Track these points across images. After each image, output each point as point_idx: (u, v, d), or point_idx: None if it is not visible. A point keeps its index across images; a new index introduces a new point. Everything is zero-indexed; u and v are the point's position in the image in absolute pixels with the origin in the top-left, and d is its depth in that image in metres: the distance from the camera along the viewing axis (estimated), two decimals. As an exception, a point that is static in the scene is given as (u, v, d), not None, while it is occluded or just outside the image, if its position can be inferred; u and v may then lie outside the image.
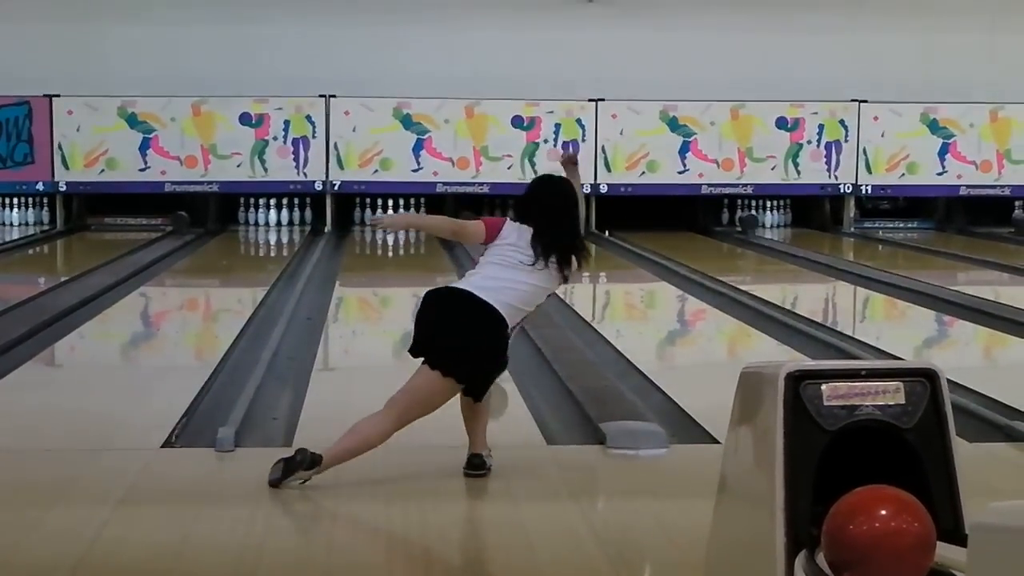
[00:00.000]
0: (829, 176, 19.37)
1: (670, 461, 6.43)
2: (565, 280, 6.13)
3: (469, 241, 6.35)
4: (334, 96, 18.70)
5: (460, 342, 5.82)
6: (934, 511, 3.31)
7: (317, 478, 5.78)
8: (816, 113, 19.32)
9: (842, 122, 19.34)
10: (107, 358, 9.91)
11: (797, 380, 3.42)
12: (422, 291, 6.02)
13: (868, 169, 19.40)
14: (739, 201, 19.70)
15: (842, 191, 19.48)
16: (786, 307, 11.85)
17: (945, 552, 2.98)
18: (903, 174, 19.45)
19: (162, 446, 6.53)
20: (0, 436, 6.89)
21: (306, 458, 5.71)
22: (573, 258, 6.06)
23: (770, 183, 19.33)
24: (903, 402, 3.41)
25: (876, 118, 19.37)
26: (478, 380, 5.89)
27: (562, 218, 6.11)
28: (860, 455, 3.47)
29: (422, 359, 5.87)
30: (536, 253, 5.94)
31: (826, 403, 3.39)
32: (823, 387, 3.40)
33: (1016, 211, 19.69)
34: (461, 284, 5.99)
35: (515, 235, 6.02)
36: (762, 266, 16.23)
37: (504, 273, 5.91)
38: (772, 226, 19.75)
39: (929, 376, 3.46)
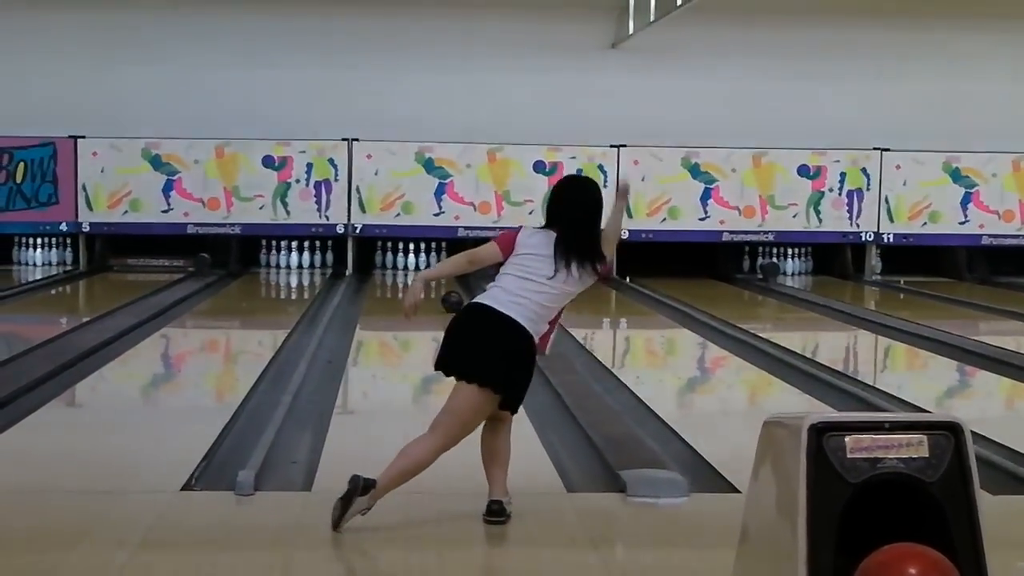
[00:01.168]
0: (851, 224, 19.36)
1: (690, 510, 6.39)
2: (601, 277, 6.06)
3: (489, 263, 6.12)
4: (357, 140, 18.76)
5: (486, 349, 5.79)
6: (958, 564, 3.30)
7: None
8: (838, 161, 19.32)
9: (864, 170, 19.33)
10: (128, 400, 9.90)
11: (820, 432, 3.41)
12: (442, 335, 5.99)
13: (890, 217, 19.38)
14: (760, 248, 19.69)
15: (864, 239, 19.45)
16: (807, 355, 11.80)
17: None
18: (925, 223, 19.43)
19: (182, 489, 6.51)
20: (21, 477, 6.89)
21: (358, 484, 5.67)
22: (589, 264, 5.92)
23: (792, 230, 19.32)
24: (927, 455, 3.40)
25: (898, 166, 19.36)
26: (510, 386, 5.83)
27: (584, 220, 5.97)
28: (883, 507, 3.46)
29: (455, 378, 5.86)
30: (557, 263, 5.85)
31: (849, 455, 3.39)
32: (846, 439, 3.40)
33: None
34: (480, 299, 5.93)
35: (535, 240, 5.94)
36: (783, 314, 16.19)
37: (521, 286, 5.84)
38: (793, 274, 19.72)
39: (953, 429, 3.45)
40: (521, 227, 6.12)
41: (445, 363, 5.86)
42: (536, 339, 5.87)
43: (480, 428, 5.97)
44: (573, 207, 6.00)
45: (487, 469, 6.01)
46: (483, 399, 5.78)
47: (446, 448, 5.86)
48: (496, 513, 5.93)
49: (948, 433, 3.44)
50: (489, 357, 5.77)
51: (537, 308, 5.83)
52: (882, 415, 3.61)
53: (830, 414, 3.56)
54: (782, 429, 3.56)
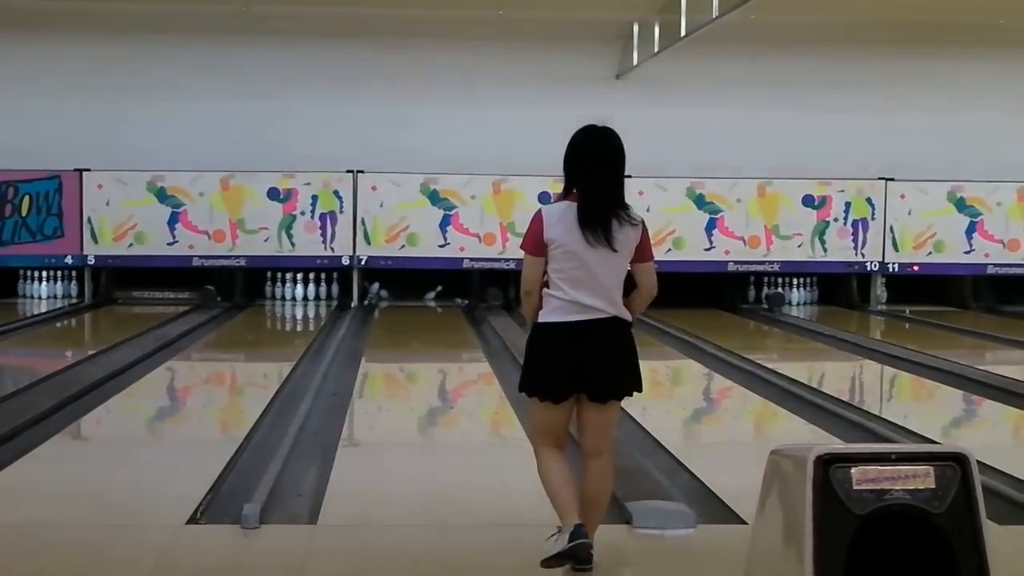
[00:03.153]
0: (856, 254, 19.36)
1: (697, 541, 6.37)
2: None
3: (541, 277, 5.62)
4: (361, 171, 18.80)
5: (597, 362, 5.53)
6: (965, 597, 3.28)
7: (343, 555, 5.76)
8: (843, 191, 19.34)
9: (869, 200, 19.35)
10: (133, 433, 9.89)
11: (827, 463, 3.41)
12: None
13: (895, 247, 19.38)
14: (766, 278, 19.69)
15: (869, 269, 19.45)
16: (813, 386, 11.79)
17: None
18: (930, 252, 19.43)
19: (187, 522, 6.50)
20: (26, 510, 6.88)
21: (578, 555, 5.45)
22: (613, 221, 5.46)
23: (797, 260, 19.32)
24: (933, 486, 3.40)
25: (903, 196, 19.37)
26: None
27: (602, 176, 5.52)
28: (890, 539, 3.45)
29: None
30: (589, 237, 5.44)
31: (856, 487, 3.38)
32: (853, 471, 3.39)
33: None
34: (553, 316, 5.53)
35: (558, 228, 5.49)
36: (789, 344, 16.17)
37: (576, 287, 5.49)
38: (799, 304, 19.71)
39: (960, 460, 3.44)
40: (540, 211, 5.63)
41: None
42: (630, 320, 5.62)
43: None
44: (590, 161, 5.54)
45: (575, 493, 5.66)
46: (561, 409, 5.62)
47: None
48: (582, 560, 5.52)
49: (955, 464, 3.43)
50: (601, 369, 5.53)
51: (612, 290, 5.52)
52: (888, 446, 3.61)
53: (836, 446, 3.56)
54: (788, 460, 3.55)
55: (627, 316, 5.57)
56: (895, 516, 3.39)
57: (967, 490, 3.41)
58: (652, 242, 5.71)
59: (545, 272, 5.57)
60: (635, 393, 5.64)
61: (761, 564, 3.76)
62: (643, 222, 5.54)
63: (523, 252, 5.62)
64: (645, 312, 5.95)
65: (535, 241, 5.52)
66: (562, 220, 5.45)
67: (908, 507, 3.38)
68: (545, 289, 5.58)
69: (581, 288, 5.45)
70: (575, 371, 5.50)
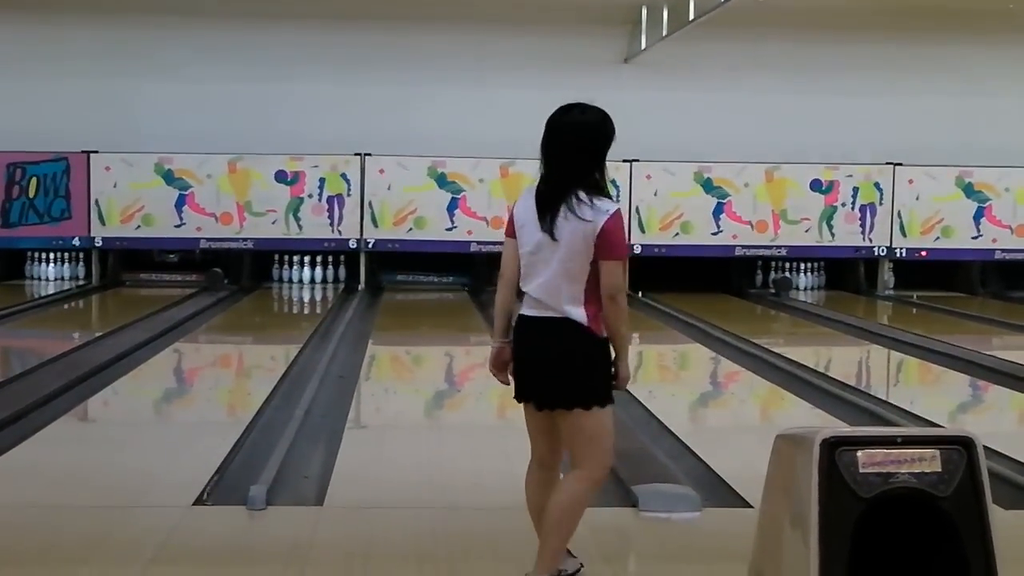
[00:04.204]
0: (863, 239, 19.33)
1: (703, 524, 6.37)
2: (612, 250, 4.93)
3: (517, 262, 5.12)
4: (369, 154, 18.78)
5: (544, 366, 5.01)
6: (971, 580, 3.28)
7: (348, 536, 5.76)
8: (851, 176, 19.31)
9: (877, 185, 19.32)
10: (140, 414, 9.91)
11: (833, 447, 3.41)
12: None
13: (903, 232, 19.35)
14: (773, 263, 19.68)
15: (876, 254, 19.43)
16: (820, 370, 11.78)
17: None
18: (938, 238, 19.41)
19: (193, 503, 6.52)
20: (32, 491, 6.90)
21: None
22: (561, 209, 4.90)
23: (804, 245, 19.30)
24: (939, 470, 3.40)
25: (911, 181, 19.34)
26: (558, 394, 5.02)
27: (560, 159, 5.00)
28: (896, 522, 3.45)
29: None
30: (542, 218, 4.96)
31: (862, 470, 3.38)
32: (859, 454, 3.39)
33: None
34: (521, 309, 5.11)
35: (522, 206, 5.08)
36: (796, 329, 16.17)
37: (529, 272, 5.04)
38: (806, 288, 19.70)
39: (966, 444, 3.44)
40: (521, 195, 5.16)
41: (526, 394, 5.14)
42: (585, 323, 4.92)
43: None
44: (553, 143, 5.04)
45: (536, 519, 5.21)
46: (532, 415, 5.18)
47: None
48: None
49: (960, 448, 3.43)
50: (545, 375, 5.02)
51: (560, 287, 4.94)
52: (894, 430, 3.60)
53: (842, 429, 3.55)
54: (794, 444, 3.55)
55: (581, 319, 4.90)
56: (901, 499, 3.40)
57: (973, 474, 3.41)
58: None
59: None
60: (592, 406, 4.95)
61: (767, 546, 3.76)
62: (611, 214, 4.87)
63: (505, 235, 5.22)
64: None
65: (508, 219, 5.16)
66: (527, 199, 5.04)
67: (914, 490, 3.38)
68: None
69: (531, 279, 5.02)
70: (524, 372, 5.10)
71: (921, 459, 3.38)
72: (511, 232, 5.11)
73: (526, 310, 5.06)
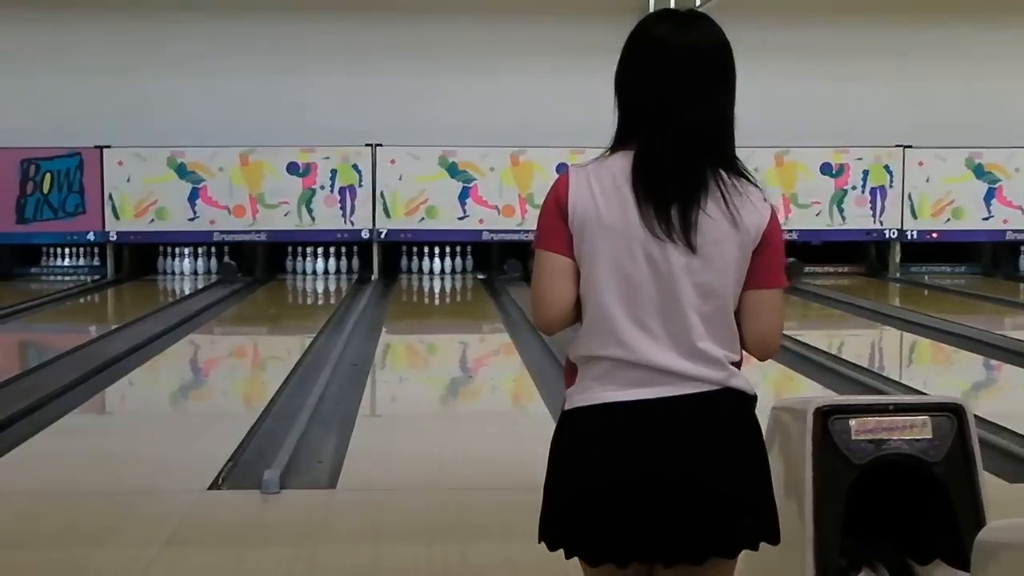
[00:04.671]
0: (874, 222, 19.37)
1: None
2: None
3: (568, 290, 3.07)
4: (380, 145, 18.86)
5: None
6: (961, 544, 3.36)
7: (361, 518, 5.85)
8: (861, 159, 19.34)
9: (887, 167, 19.35)
10: (156, 403, 10.00)
11: (826, 415, 3.48)
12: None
13: (913, 214, 19.39)
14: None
15: (887, 236, 19.46)
16: (831, 352, 11.83)
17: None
18: (948, 219, 19.43)
19: (208, 488, 6.61)
20: (51, 479, 7.01)
21: None
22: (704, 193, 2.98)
23: (815, 229, 19.34)
24: (930, 436, 3.47)
25: (921, 163, 19.36)
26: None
27: (689, 103, 3.01)
28: (888, 488, 3.53)
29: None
30: (646, 213, 2.95)
31: (854, 437, 3.46)
32: (851, 422, 3.47)
33: None
34: (584, 399, 3.07)
35: (596, 201, 3.00)
36: (807, 311, 16.21)
37: (627, 313, 2.99)
38: (816, 272, 19.74)
39: (956, 411, 3.51)
40: (568, 172, 3.11)
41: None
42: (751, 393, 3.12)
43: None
44: (670, 78, 3.04)
45: None
46: None
47: None
48: None
49: (951, 415, 3.50)
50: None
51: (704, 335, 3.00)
52: (886, 398, 3.68)
53: (835, 398, 3.63)
54: (788, 413, 3.63)
55: (747, 389, 3.11)
56: (893, 465, 3.47)
57: (963, 440, 3.48)
58: None
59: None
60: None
61: (764, 515, 3.83)
62: (771, 210, 3.13)
63: (538, 248, 3.15)
64: None
65: (548, 218, 3.11)
66: (595, 181, 3.04)
67: (906, 457, 3.46)
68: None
69: (625, 326, 3.01)
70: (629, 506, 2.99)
71: (912, 426, 3.45)
72: (557, 243, 3.08)
73: (620, 391, 3.01)
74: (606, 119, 3.21)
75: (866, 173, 19.34)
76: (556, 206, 3.07)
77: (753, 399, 3.11)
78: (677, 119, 2.99)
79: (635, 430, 2.96)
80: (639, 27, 3.14)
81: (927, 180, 19.40)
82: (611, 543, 2.99)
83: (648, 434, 2.95)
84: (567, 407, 3.13)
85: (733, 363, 3.06)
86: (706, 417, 2.99)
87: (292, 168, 18.85)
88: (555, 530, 3.11)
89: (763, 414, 3.81)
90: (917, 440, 3.45)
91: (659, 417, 2.96)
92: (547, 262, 3.08)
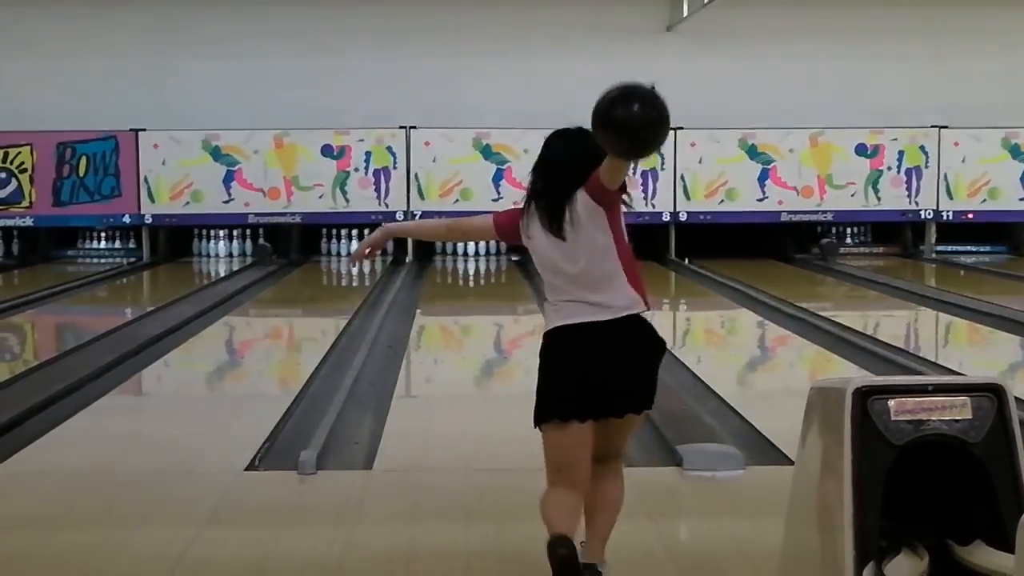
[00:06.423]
0: (910, 202, 19.29)
1: (746, 482, 6.44)
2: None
3: (475, 237, 5.49)
4: (414, 127, 18.87)
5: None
6: (1002, 524, 3.35)
7: (397, 499, 5.87)
8: (896, 139, 19.25)
9: (922, 148, 19.26)
10: (192, 385, 10.06)
11: (865, 395, 3.46)
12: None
13: (949, 195, 19.30)
14: (819, 228, 19.67)
15: (923, 217, 19.38)
16: (867, 333, 11.79)
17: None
18: (984, 200, 19.33)
19: (246, 469, 6.64)
20: (90, 459, 7.04)
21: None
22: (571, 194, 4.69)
23: (850, 209, 19.27)
24: (970, 417, 3.45)
25: (956, 144, 19.27)
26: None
27: (557, 173, 4.75)
28: (927, 469, 3.51)
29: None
30: (547, 221, 4.75)
31: (893, 418, 3.44)
32: (890, 402, 3.45)
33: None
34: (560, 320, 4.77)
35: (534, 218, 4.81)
36: (842, 292, 16.15)
37: (568, 281, 4.75)
38: (853, 252, 19.68)
39: (996, 391, 3.49)
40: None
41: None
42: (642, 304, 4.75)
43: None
44: (549, 158, 4.83)
45: (588, 513, 4.79)
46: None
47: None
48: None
49: (991, 395, 3.49)
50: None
51: (608, 278, 4.70)
52: (925, 378, 3.66)
53: (874, 378, 3.61)
54: (827, 394, 3.62)
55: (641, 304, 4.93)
56: (932, 446, 3.45)
57: (1003, 420, 3.46)
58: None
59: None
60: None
61: (802, 495, 3.82)
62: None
63: (491, 216, 5.16)
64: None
65: (512, 217, 5.05)
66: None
67: (945, 437, 3.44)
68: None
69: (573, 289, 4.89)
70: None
71: (952, 406, 3.43)
72: (507, 228, 5.08)
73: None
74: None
75: (901, 154, 19.25)
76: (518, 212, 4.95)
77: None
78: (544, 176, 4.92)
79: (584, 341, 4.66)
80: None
81: (963, 160, 19.30)
82: (574, 408, 4.65)
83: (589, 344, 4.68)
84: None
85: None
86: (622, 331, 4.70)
87: (326, 150, 18.88)
88: (549, 403, 4.77)
89: (802, 396, 3.81)
90: (957, 420, 3.43)
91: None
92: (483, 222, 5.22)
